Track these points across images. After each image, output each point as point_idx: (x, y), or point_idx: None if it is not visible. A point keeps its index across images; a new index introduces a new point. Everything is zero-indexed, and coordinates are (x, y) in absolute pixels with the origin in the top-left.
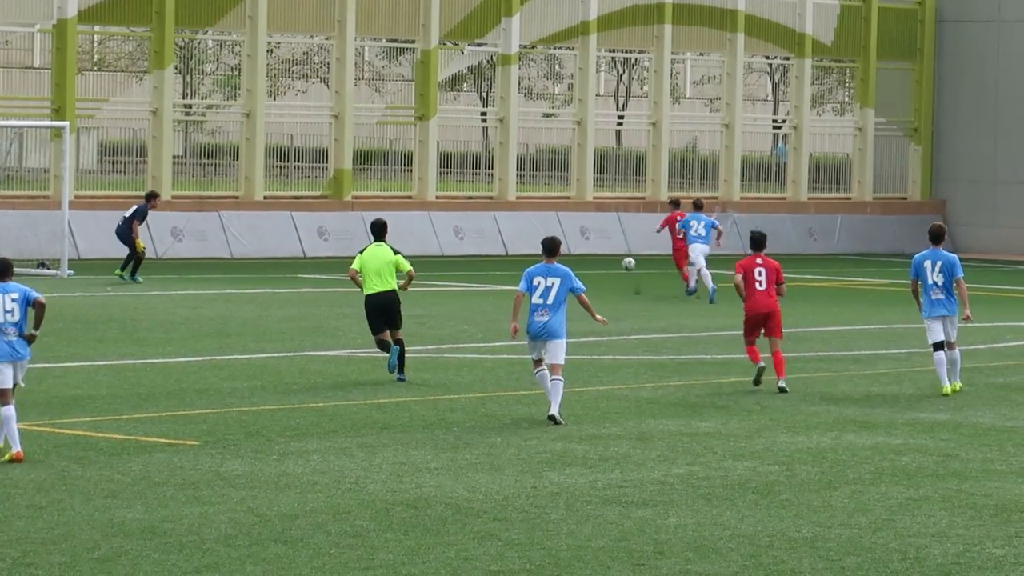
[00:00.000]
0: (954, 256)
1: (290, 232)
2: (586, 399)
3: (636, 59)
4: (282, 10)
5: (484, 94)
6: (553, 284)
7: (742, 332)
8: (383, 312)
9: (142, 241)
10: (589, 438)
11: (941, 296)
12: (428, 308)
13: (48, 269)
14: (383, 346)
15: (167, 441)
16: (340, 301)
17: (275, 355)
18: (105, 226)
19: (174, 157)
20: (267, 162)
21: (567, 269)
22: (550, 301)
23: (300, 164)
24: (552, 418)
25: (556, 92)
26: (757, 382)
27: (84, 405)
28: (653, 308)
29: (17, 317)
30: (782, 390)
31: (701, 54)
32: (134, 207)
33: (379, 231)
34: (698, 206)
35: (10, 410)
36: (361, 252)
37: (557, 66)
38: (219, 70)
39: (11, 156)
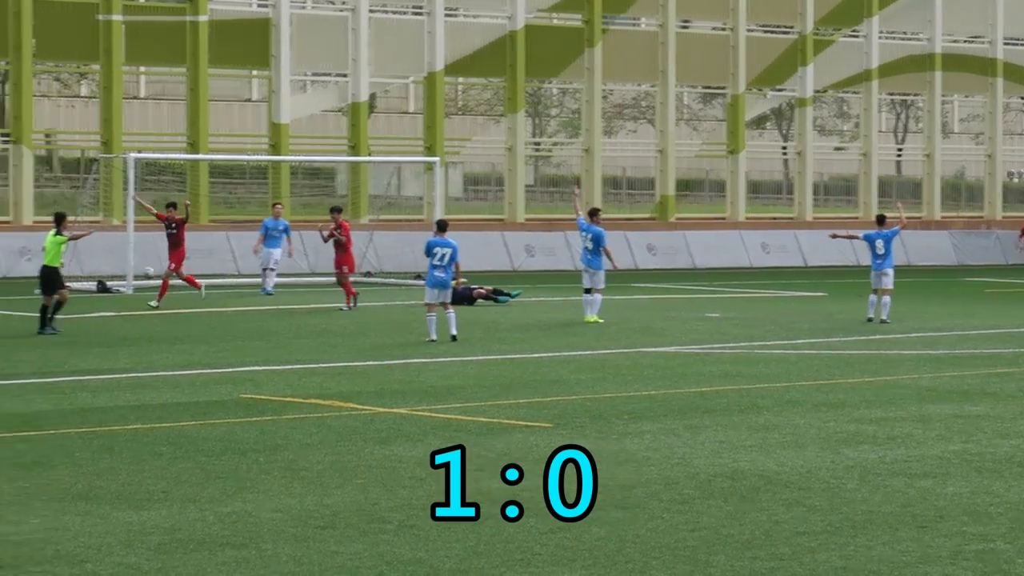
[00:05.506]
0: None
1: (624, 248)
2: (875, 387)
3: (912, 100)
4: (615, 62)
5: (784, 131)
6: (447, 252)
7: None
8: None
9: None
10: (878, 420)
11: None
12: (741, 311)
13: (421, 280)
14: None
15: (524, 423)
16: (667, 306)
17: (614, 351)
18: (467, 244)
19: (526, 186)
20: (604, 190)
21: (455, 243)
22: (445, 263)
23: (631, 191)
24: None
25: (845, 129)
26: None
27: (456, 393)
28: (930, 310)
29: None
30: None
31: (966, 96)
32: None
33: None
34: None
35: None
36: None
37: (845, 107)
38: (562, 113)
39: (391, 187)
